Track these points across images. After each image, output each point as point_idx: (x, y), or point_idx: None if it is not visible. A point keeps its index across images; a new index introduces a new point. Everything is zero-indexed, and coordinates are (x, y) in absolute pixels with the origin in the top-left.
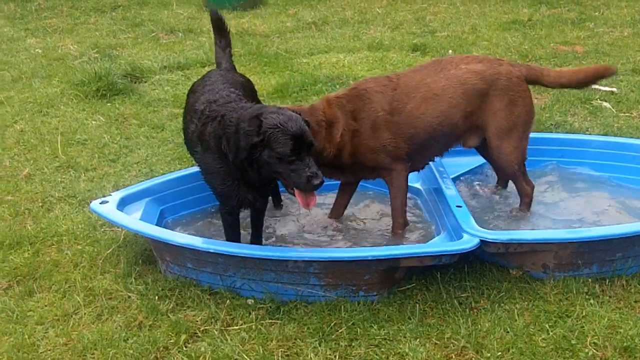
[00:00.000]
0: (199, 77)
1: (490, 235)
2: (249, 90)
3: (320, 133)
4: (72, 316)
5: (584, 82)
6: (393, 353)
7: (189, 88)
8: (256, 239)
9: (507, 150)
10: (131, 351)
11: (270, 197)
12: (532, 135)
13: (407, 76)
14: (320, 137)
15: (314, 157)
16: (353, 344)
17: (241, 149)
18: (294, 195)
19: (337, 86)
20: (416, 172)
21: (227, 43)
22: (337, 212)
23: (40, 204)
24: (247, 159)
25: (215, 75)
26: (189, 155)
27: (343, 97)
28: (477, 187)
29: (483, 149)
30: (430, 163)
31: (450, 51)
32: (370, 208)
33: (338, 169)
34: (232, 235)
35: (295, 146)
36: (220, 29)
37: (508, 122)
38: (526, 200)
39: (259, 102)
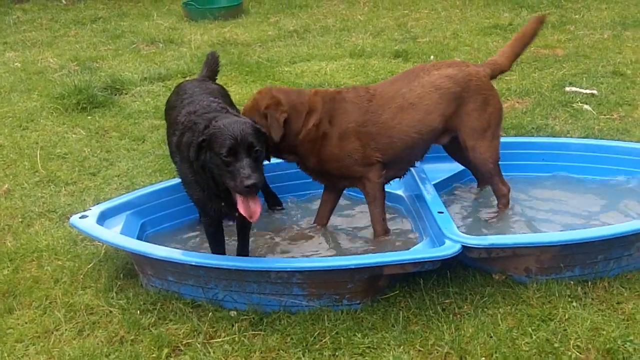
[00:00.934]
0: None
1: (472, 240)
2: (226, 97)
3: (300, 115)
4: (53, 333)
5: (528, 42)
6: None
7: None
8: (242, 250)
9: (482, 149)
10: None
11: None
12: (514, 139)
13: (384, 87)
14: (299, 119)
15: (274, 150)
16: (337, 354)
17: (192, 151)
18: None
19: None
20: (398, 180)
21: (211, 73)
22: (320, 219)
23: (20, 220)
24: (197, 161)
25: (191, 86)
26: (170, 167)
27: (328, 94)
28: (459, 193)
29: (455, 152)
30: (412, 169)
31: (432, 57)
32: (358, 215)
33: (305, 168)
34: (216, 246)
35: (233, 147)
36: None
37: (481, 122)
38: (503, 201)
39: (235, 108)
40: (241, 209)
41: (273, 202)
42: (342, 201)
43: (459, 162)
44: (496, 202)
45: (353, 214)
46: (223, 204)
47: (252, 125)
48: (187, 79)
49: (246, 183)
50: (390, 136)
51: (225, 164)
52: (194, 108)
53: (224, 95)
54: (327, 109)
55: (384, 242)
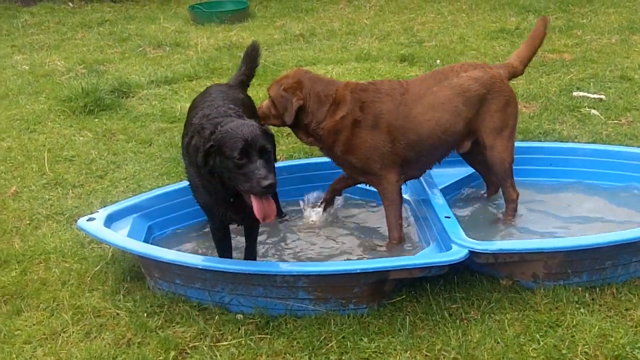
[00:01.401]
0: (188, 90)
1: (480, 245)
2: (248, 108)
3: (323, 105)
4: (60, 335)
5: (539, 45)
6: None
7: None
8: (249, 254)
9: (500, 148)
10: None
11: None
12: (521, 144)
13: (415, 83)
14: (323, 109)
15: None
16: (343, 358)
17: (199, 157)
18: (252, 207)
19: None
20: (405, 184)
21: (248, 72)
22: (329, 192)
23: (28, 222)
24: (205, 167)
25: (216, 90)
26: (177, 170)
27: (360, 86)
28: (466, 198)
29: (470, 155)
30: None
31: (438, 61)
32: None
33: (330, 154)
34: (223, 250)
35: (245, 149)
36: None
37: (502, 122)
38: (512, 206)
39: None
40: (256, 210)
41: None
42: (352, 203)
43: (472, 166)
44: (503, 207)
45: (364, 216)
46: (230, 211)
47: (260, 127)
48: (194, 82)
49: (264, 184)
50: (419, 133)
51: (238, 167)
52: (209, 112)
53: (248, 106)
54: (358, 99)
55: (396, 249)
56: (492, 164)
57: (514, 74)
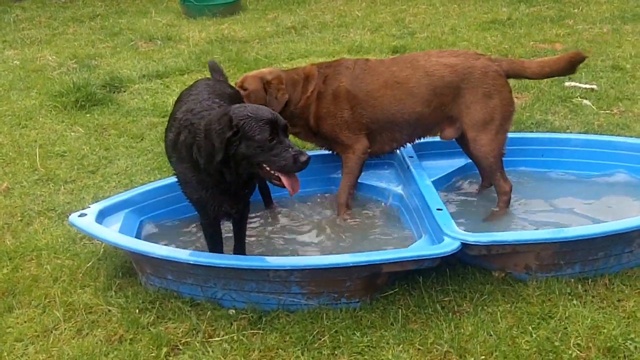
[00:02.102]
0: (179, 85)
1: (472, 237)
2: (236, 102)
3: (299, 84)
4: (52, 332)
5: (565, 70)
6: None
7: (174, 96)
8: (239, 249)
9: (484, 142)
10: None
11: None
12: (513, 135)
13: (379, 62)
14: (299, 87)
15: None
16: (336, 352)
17: (217, 150)
18: (278, 184)
19: None
20: (397, 176)
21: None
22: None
23: (20, 218)
24: (223, 159)
25: (203, 84)
26: (169, 165)
27: (325, 63)
28: (458, 190)
29: (464, 144)
30: (411, 167)
31: None
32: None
33: (311, 132)
34: (214, 246)
35: (273, 130)
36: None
37: (484, 115)
38: (504, 198)
39: None
40: (288, 184)
41: (267, 202)
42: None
43: (469, 155)
44: (496, 199)
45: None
46: (227, 204)
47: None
48: (186, 76)
49: (302, 159)
50: (374, 107)
51: (270, 148)
52: (193, 106)
53: (236, 100)
54: (323, 74)
55: (342, 215)
56: (475, 157)
57: (519, 72)
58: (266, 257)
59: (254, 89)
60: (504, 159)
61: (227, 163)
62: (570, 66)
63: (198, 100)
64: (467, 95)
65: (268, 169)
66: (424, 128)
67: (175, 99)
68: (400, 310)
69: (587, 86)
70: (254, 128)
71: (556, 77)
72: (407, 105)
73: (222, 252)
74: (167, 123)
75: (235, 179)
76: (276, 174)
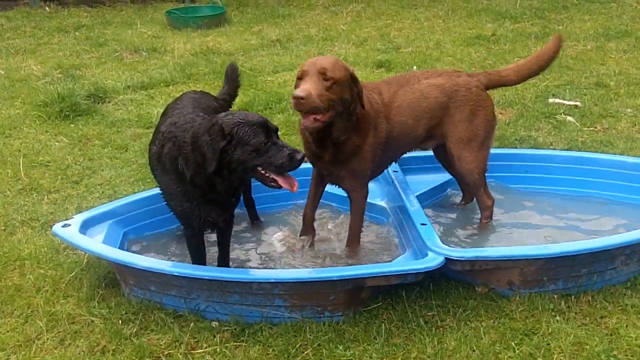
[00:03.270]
0: (164, 96)
1: (456, 253)
2: None
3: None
4: (34, 342)
5: (544, 66)
6: None
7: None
8: (223, 261)
9: (468, 159)
10: None
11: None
12: (497, 151)
13: (383, 86)
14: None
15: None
16: None
17: (209, 160)
18: (275, 186)
19: None
20: (380, 190)
21: (231, 91)
22: (308, 218)
23: (3, 228)
24: (216, 168)
25: (188, 98)
26: (153, 176)
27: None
28: (442, 204)
29: (445, 161)
30: (395, 181)
31: (415, 67)
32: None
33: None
34: (198, 258)
35: (267, 133)
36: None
37: (468, 133)
38: (486, 213)
39: None
40: (285, 184)
41: (252, 215)
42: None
43: (449, 171)
44: (479, 214)
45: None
46: (212, 215)
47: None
48: (171, 88)
49: (298, 156)
50: (393, 133)
51: (265, 150)
52: (177, 120)
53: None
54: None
55: (358, 255)
56: (460, 174)
57: (498, 82)
58: (250, 270)
59: (340, 78)
60: (488, 174)
61: (220, 172)
62: (549, 61)
63: (182, 114)
64: (455, 114)
65: (263, 172)
66: (412, 147)
67: (160, 110)
68: (383, 325)
69: (571, 103)
70: (247, 133)
71: (539, 92)
72: (412, 130)
73: (205, 264)
74: (152, 136)
75: (226, 187)
76: (271, 176)
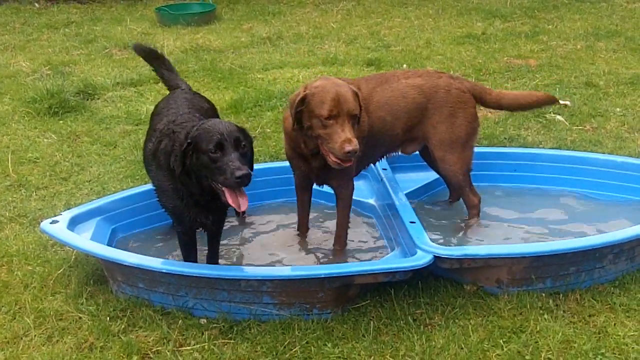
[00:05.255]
0: (154, 93)
1: (444, 251)
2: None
3: None
4: (22, 338)
5: (523, 108)
6: None
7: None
8: (212, 259)
9: (451, 161)
10: None
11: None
12: (486, 149)
13: (361, 83)
14: None
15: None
16: None
17: (176, 159)
18: (224, 200)
19: None
20: (370, 188)
21: (170, 64)
22: (304, 227)
23: None
24: (182, 168)
25: (181, 98)
26: (142, 173)
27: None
28: (431, 203)
29: (429, 159)
30: (384, 179)
31: (404, 65)
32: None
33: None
34: (189, 255)
35: (220, 142)
36: (155, 56)
37: (450, 134)
38: (473, 211)
39: None
40: (230, 200)
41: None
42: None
43: (435, 171)
44: (465, 212)
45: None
46: (202, 215)
47: (236, 124)
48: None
49: (237, 174)
50: (373, 129)
51: (213, 160)
52: (175, 118)
53: (212, 116)
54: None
55: (345, 249)
56: (444, 176)
57: (478, 95)
58: (238, 267)
59: (358, 111)
60: (477, 172)
61: (189, 174)
62: (532, 106)
63: (179, 113)
64: (434, 115)
65: (215, 183)
66: (392, 149)
67: (150, 107)
68: (371, 322)
69: (561, 102)
70: (203, 140)
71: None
72: (390, 128)
73: (196, 261)
74: (145, 136)
75: (198, 190)
76: (222, 189)
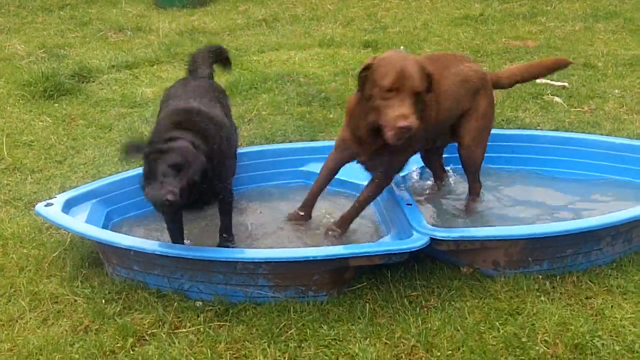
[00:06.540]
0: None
1: (441, 232)
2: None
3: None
4: (17, 321)
5: (537, 76)
6: (343, 353)
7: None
8: (223, 229)
9: (479, 146)
10: (77, 356)
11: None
12: None
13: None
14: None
15: None
16: (302, 345)
17: None
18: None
19: (288, 84)
20: (365, 171)
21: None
22: (308, 207)
23: None
24: None
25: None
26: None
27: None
28: (427, 185)
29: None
30: None
31: (402, 47)
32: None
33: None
34: (175, 237)
35: (152, 164)
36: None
37: (482, 121)
38: (473, 196)
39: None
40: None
41: None
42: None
43: (425, 161)
44: (464, 194)
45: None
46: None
47: (194, 144)
48: (155, 67)
49: (149, 197)
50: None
51: (147, 182)
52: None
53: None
54: None
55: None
56: (464, 162)
57: (495, 83)
58: (234, 249)
59: (424, 88)
60: None
61: None
62: (545, 64)
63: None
64: (481, 101)
65: None
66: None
67: (145, 89)
68: (367, 305)
69: (559, 83)
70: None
71: None
72: (451, 114)
73: (183, 242)
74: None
75: None
76: None
